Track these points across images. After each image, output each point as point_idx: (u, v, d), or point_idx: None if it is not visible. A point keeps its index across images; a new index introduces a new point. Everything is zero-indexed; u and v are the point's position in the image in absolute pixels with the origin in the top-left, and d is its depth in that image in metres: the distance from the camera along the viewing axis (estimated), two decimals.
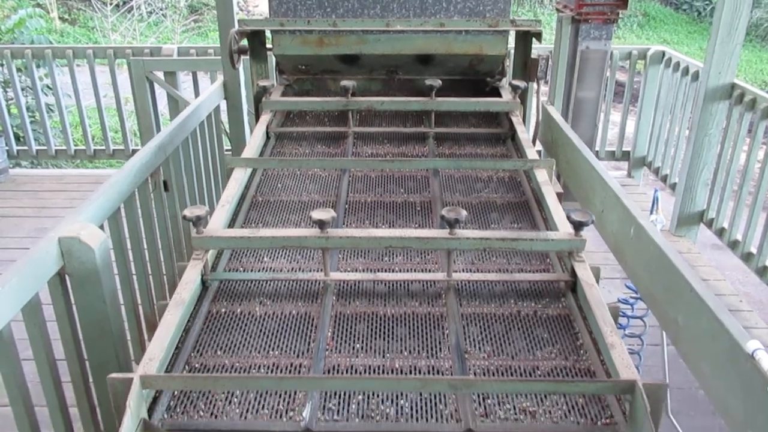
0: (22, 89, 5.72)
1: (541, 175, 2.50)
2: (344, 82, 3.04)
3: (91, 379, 2.19)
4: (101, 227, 2.17)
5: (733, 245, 4.19)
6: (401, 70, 3.46)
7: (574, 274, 1.96)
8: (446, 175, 2.73)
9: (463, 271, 2.09)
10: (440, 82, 3.08)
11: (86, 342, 2.12)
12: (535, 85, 3.40)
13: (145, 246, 2.63)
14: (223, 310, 1.90)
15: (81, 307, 2.03)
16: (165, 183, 2.89)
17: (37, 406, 1.97)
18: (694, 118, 4.35)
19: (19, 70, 5.67)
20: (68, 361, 2.10)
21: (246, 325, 1.84)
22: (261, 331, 1.82)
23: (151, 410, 1.52)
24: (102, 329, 2.06)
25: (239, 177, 2.46)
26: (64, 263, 1.93)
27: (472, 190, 2.62)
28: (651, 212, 3.60)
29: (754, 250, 4.01)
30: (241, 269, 2.09)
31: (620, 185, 2.51)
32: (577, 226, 1.90)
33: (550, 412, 1.56)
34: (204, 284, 1.98)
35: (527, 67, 3.36)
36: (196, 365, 1.69)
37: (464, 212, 1.89)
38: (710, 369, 1.67)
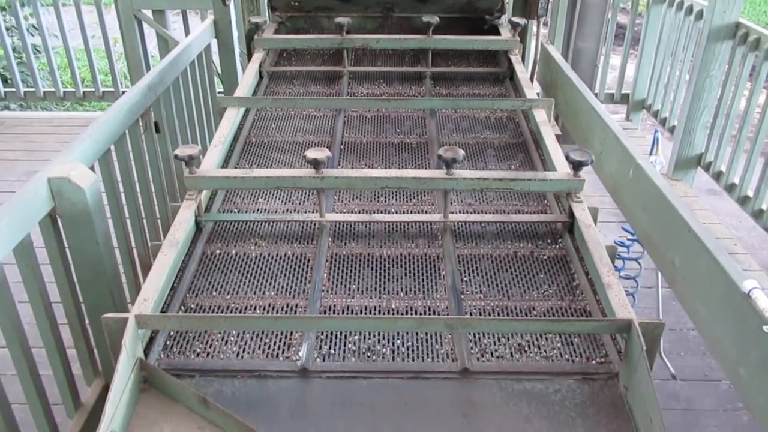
0: (7, 29, 5.54)
1: (540, 116, 2.45)
2: (339, 19, 2.94)
3: (87, 321, 2.20)
4: (92, 168, 2.12)
5: (730, 188, 4.18)
6: (397, 7, 3.35)
7: (571, 215, 1.94)
8: (443, 116, 2.68)
9: (460, 212, 2.07)
10: (437, 19, 2.98)
11: (81, 284, 2.11)
12: (534, 24, 3.30)
13: (138, 188, 2.59)
14: (218, 251, 1.88)
15: (74, 249, 2.01)
16: (156, 124, 2.83)
17: (35, 347, 1.97)
18: (696, 59, 4.27)
19: (2, 9, 5.48)
20: (63, 303, 2.09)
21: (241, 266, 1.83)
22: (256, 272, 1.81)
23: (147, 350, 1.52)
24: (96, 271, 2.04)
25: (232, 117, 2.41)
26: (54, 204, 1.90)
27: (469, 130, 2.57)
28: (650, 153, 3.57)
29: (750, 194, 4.00)
30: (236, 210, 2.07)
31: (620, 127, 2.47)
32: (576, 165, 1.87)
33: (545, 351, 1.57)
34: (198, 225, 1.95)
35: (527, 4, 3.26)
36: (192, 306, 1.68)
37: (461, 152, 1.86)
38: (705, 309, 1.68)
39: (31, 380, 1.93)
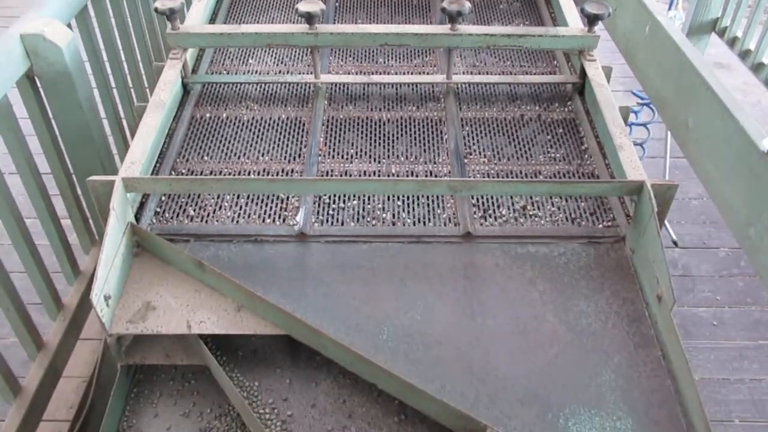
0: None
1: None
2: None
3: (80, 191, 2.14)
4: (69, 27, 1.96)
5: (744, 55, 3.99)
6: None
7: (583, 75, 1.82)
8: None
9: (464, 73, 1.95)
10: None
11: (69, 152, 2.02)
12: None
13: (121, 49, 2.43)
14: (208, 114, 1.78)
15: (57, 114, 1.91)
16: None
17: (28, 218, 1.93)
18: None
19: None
20: (54, 173, 2.02)
21: (233, 130, 1.73)
22: (249, 136, 1.72)
23: (138, 216, 1.47)
24: (83, 137, 1.95)
25: None
26: (31, 64, 1.76)
27: None
28: (669, 8, 3.34)
29: (765, 61, 3.83)
30: (225, 72, 1.94)
31: None
32: (592, 19, 1.72)
33: (550, 215, 1.52)
34: (185, 88, 1.84)
35: None
36: (183, 171, 1.61)
37: (468, 4, 1.70)
38: (718, 170, 1.61)
39: (27, 249, 1.91)
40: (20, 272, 1.96)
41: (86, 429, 1.86)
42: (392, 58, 2.00)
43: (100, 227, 2.22)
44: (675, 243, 2.84)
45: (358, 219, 1.49)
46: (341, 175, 1.60)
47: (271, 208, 1.51)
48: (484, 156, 1.68)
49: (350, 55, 2.01)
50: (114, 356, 1.26)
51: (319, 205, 1.52)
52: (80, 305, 2.01)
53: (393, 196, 1.54)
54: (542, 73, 1.96)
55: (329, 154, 1.67)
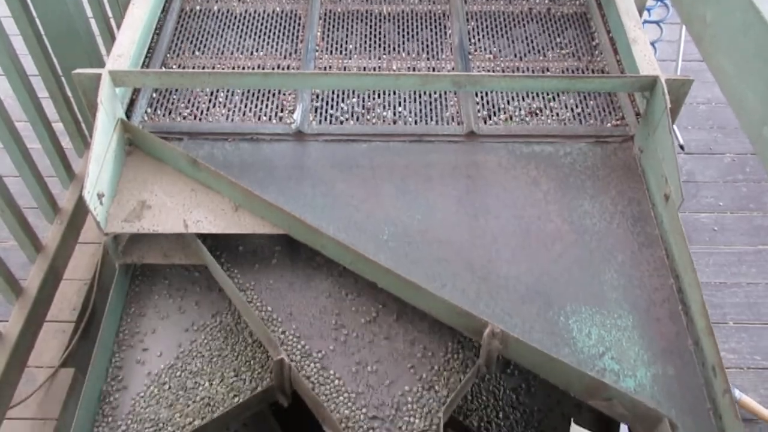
0: None
1: None
2: None
3: (69, 93, 2.07)
4: None
5: None
6: None
7: None
8: None
9: None
10: None
11: (55, 50, 1.93)
12: None
13: None
14: (198, 7, 1.68)
15: (41, 13, 1.81)
16: None
17: (18, 121, 1.87)
18: None
19: None
20: (41, 73, 1.94)
21: (225, 24, 1.64)
22: (242, 30, 1.63)
23: (129, 113, 1.41)
24: (68, 32, 1.86)
25: None
26: None
27: None
28: None
29: None
30: None
31: None
32: None
33: (557, 114, 1.46)
34: None
35: None
36: (173, 67, 1.53)
37: None
38: (734, 66, 1.54)
39: (20, 152, 1.86)
40: (14, 176, 1.92)
41: (89, 329, 1.89)
42: None
43: (91, 130, 2.16)
44: (681, 147, 2.79)
45: (357, 117, 1.43)
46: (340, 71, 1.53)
47: (267, 105, 1.45)
48: (490, 52, 1.60)
49: None
50: (111, 256, 1.24)
51: (317, 102, 1.46)
52: (77, 208, 1.98)
53: (394, 92, 1.48)
54: None
55: (327, 49, 1.59)
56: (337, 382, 1.13)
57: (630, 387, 1.07)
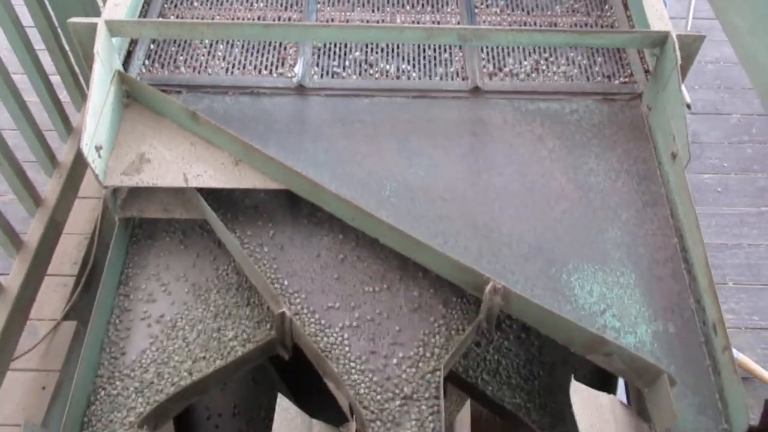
0: None
1: None
2: None
3: (66, 45, 2.03)
4: None
5: None
6: None
7: None
8: None
9: None
10: None
11: (52, 3, 1.89)
12: None
13: None
14: None
15: None
16: None
17: (15, 74, 1.84)
18: None
19: None
20: (36, 25, 1.90)
21: None
22: None
23: (126, 65, 1.38)
24: None
25: None
26: None
27: None
28: None
29: None
30: None
31: None
32: None
33: (564, 71, 1.43)
34: None
35: None
36: (171, 17, 1.50)
37: None
38: (746, 21, 1.50)
39: (17, 104, 1.83)
40: (12, 130, 1.90)
41: (90, 283, 1.90)
42: None
43: (89, 81, 2.12)
44: (688, 107, 2.75)
45: (360, 72, 1.40)
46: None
47: (267, 58, 1.42)
48: (496, 5, 1.56)
49: None
50: (111, 209, 1.23)
51: (318, 56, 1.43)
52: (75, 162, 1.97)
53: (397, 46, 1.44)
54: None
55: (329, 1, 1.55)
56: (338, 336, 1.13)
57: (630, 344, 1.07)
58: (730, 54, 2.92)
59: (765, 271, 2.35)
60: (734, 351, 2.11)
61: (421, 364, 1.11)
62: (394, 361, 1.11)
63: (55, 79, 2.01)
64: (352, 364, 1.10)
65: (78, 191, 2.05)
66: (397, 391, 1.08)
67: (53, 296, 2.02)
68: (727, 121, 2.76)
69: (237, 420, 1.54)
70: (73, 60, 2.06)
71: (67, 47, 2.02)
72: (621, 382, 1.37)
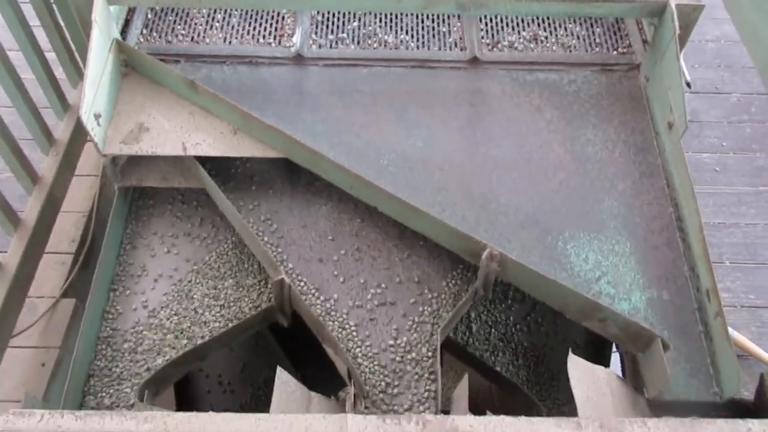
0: None
1: None
2: None
3: (61, 21, 2.01)
4: None
5: None
6: None
7: None
8: None
9: None
10: None
11: None
12: None
13: None
14: None
15: None
16: None
17: (10, 50, 1.83)
18: None
19: None
20: (32, 3, 1.89)
21: None
22: None
23: (124, 35, 1.38)
24: None
25: None
26: None
27: None
28: None
29: None
30: None
31: None
32: None
33: (562, 43, 1.43)
34: None
35: None
36: None
37: None
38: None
39: (12, 81, 1.82)
40: (8, 107, 1.89)
41: (89, 260, 1.90)
42: None
43: (86, 55, 2.11)
44: (688, 85, 2.74)
45: (358, 41, 1.40)
46: None
47: (265, 28, 1.41)
48: None
49: None
50: (110, 177, 1.23)
51: (316, 26, 1.43)
52: (72, 139, 1.96)
53: (396, 15, 1.44)
54: None
55: None
56: (336, 303, 1.14)
57: (624, 310, 1.08)
58: (730, 32, 2.91)
59: (761, 250, 2.36)
60: (730, 329, 2.13)
61: (418, 330, 1.12)
62: (394, 326, 1.12)
63: (51, 56, 2.00)
64: (350, 329, 1.11)
65: (75, 169, 2.05)
66: (394, 356, 1.09)
67: (52, 274, 2.02)
68: (727, 100, 2.76)
69: (241, 383, 1.55)
70: (68, 36, 2.05)
71: (62, 23, 2.01)
72: (616, 358, 1.38)
